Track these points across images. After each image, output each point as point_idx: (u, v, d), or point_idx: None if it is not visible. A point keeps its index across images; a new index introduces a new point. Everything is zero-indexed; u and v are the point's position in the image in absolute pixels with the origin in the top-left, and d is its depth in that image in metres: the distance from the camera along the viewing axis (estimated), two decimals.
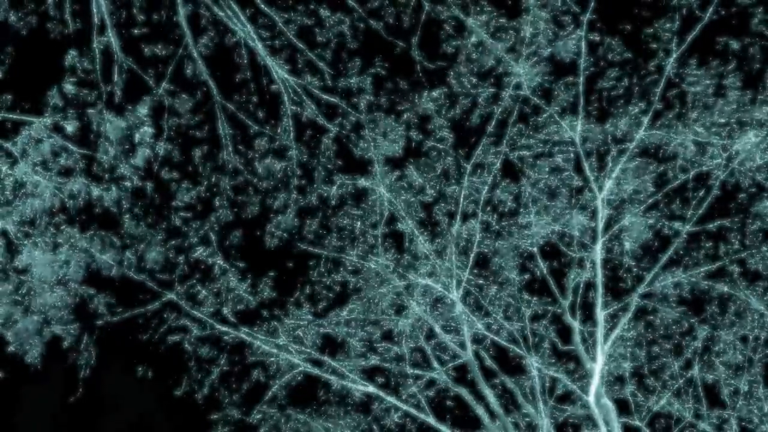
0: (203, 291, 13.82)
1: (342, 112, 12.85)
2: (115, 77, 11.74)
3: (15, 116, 11.91)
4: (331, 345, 14.38)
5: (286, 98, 12.18)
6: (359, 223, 13.95)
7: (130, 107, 12.06)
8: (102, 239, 12.95)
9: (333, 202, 13.73)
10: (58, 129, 12.02)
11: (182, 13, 11.62)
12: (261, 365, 14.27)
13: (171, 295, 13.62)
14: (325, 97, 12.17)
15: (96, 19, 11.37)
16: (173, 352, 14.01)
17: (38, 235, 12.45)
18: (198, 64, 11.89)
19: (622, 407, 14.17)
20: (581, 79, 13.04)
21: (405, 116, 13.46)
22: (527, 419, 14.12)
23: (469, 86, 13.19)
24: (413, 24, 11.81)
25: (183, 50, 11.74)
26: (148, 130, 12.18)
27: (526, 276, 14.30)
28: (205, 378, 14.18)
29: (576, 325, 13.75)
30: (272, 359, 14.09)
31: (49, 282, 12.62)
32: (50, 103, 11.86)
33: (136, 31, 11.68)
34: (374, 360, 14.39)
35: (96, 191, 12.29)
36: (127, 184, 12.36)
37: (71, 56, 11.62)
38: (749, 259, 13.68)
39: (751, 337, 13.99)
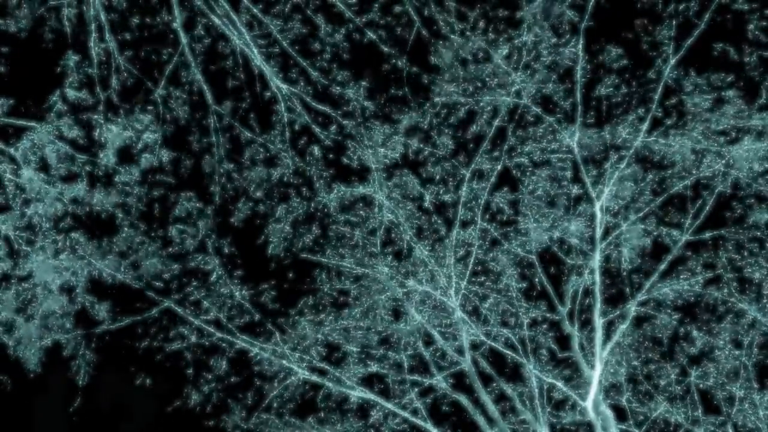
0: (202, 299, 13.87)
1: (338, 121, 12.87)
2: (113, 83, 11.81)
3: (17, 121, 11.98)
4: (331, 352, 14.42)
5: (282, 107, 12.21)
6: (358, 230, 13.98)
7: (128, 107, 12.14)
8: (102, 246, 13.00)
9: (332, 210, 13.76)
10: (60, 134, 12.09)
11: (179, 20, 11.67)
12: (260, 373, 14.32)
13: (169, 303, 13.68)
14: (320, 107, 12.19)
15: (93, 26, 11.44)
16: (173, 360, 14.08)
17: (40, 240, 12.50)
18: (193, 71, 11.94)
19: (620, 414, 14.14)
20: (579, 87, 13.03)
21: (402, 124, 13.48)
22: (525, 426, 14.12)
23: (465, 95, 13.21)
24: (408, 34, 11.83)
25: (179, 57, 11.80)
26: (149, 136, 12.25)
27: (525, 283, 14.29)
28: (204, 385, 14.24)
29: (574, 332, 13.72)
30: (271, 366, 14.12)
31: (51, 288, 12.66)
32: (53, 108, 11.93)
33: (133, 38, 11.74)
34: (373, 367, 14.40)
35: (97, 197, 12.34)
36: (127, 189, 12.42)
37: (71, 61, 11.69)
38: (746, 267, 13.63)
39: (745, 343, 13.94)
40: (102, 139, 12.20)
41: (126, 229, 12.99)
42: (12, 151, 12.15)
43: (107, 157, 12.27)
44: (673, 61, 12.74)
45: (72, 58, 11.65)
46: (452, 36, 12.49)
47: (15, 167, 12.18)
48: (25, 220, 12.37)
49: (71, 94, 11.86)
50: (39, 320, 12.71)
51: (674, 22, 12.52)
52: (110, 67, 11.73)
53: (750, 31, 12.42)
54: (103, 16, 11.46)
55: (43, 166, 12.22)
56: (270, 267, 13.97)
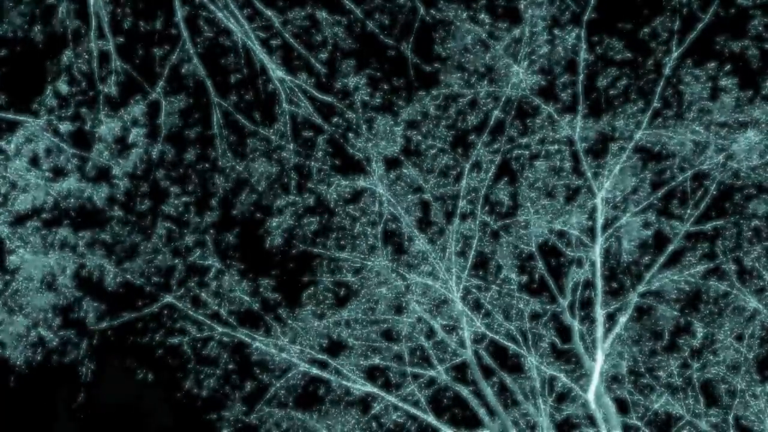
0: (202, 293, 13.79)
1: (339, 112, 12.83)
2: (113, 78, 11.66)
3: (10, 116, 11.82)
4: (332, 345, 14.38)
5: (283, 98, 12.11)
6: (358, 223, 13.94)
7: (124, 108, 12.01)
8: (97, 241, 12.89)
9: (332, 203, 13.72)
10: (53, 129, 11.94)
11: (180, 13, 11.53)
12: (261, 366, 14.28)
13: (169, 298, 13.60)
14: (322, 97, 12.11)
15: (93, 20, 11.28)
16: (174, 355, 14.02)
17: (30, 235, 12.34)
18: (195, 63, 11.81)
19: (621, 406, 14.20)
20: (580, 78, 13.02)
21: (402, 115, 13.44)
22: (527, 417, 14.16)
23: (466, 85, 13.19)
24: (409, 25, 11.75)
25: (180, 50, 11.66)
26: (142, 130, 12.12)
27: (526, 275, 14.31)
28: (205, 379, 14.19)
29: (575, 324, 13.75)
30: (273, 359, 14.08)
31: (43, 284, 12.52)
32: (46, 103, 11.78)
33: (133, 32, 11.60)
34: (374, 359, 14.39)
35: (89, 191, 12.20)
36: (121, 183, 12.30)
37: (67, 56, 11.53)
38: (746, 257, 13.71)
39: (746, 334, 14.02)
40: (98, 133, 12.07)
41: (124, 224, 12.90)
42: (4, 144, 11.99)
43: (102, 152, 12.13)
44: (676, 54, 12.76)
45: (68, 54, 11.49)
46: (455, 24, 12.46)
47: (6, 162, 12.01)
48: (16, 213, 12.21)
49: (65, 89, 11.72)
50: (32, 316, 12.57)
51: (677, 15, 12.54)
52: (109, 62, 11.58)
53: (753, 26, 12.49)
54: (102, 11, 11.30)
55: (35, 160, 12.08)
56: (270, 260, 13.93)
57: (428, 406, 14.03)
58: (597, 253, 13.42)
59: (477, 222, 13.81)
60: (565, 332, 14.12)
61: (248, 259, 13.95)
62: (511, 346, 13.78)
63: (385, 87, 12.98)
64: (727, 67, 12.86)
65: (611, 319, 13.73)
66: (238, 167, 12.75)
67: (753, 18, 12.44)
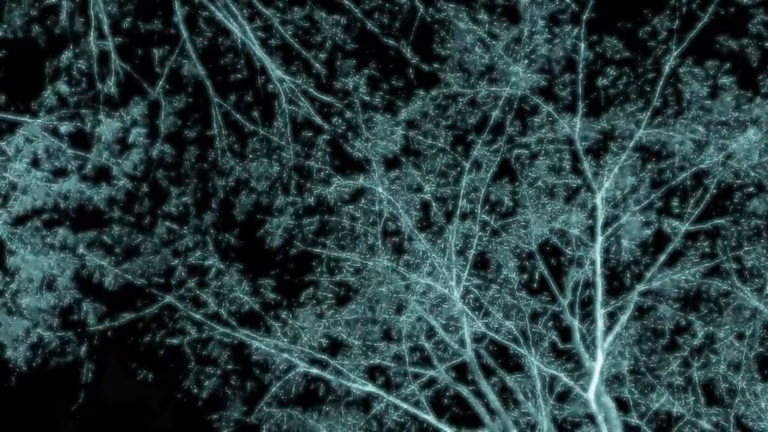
0: (202, 293, 13.79)
1: (339, 112, 12.85)
2: (112, 78, 11.66)
3: (10, 116, 11.83)
4: (332, 344, 14.39)
5: (283, 98, 12.12)
6: (358, 223, 13.95)
7: (124, 108, 12.01)
8: (97, 242, 12.88)
9: (332, 203, 13.74)
10: (53, 130, 11.94)
11: (179, 13, 11.54)
12: (261, 366, 14.28)
13: (170, 299, 13.60)
14: (321, 97, 12.12)
15: (93, 21, 11.29)
16: (174, 355, 14.02)
17: (30, 236, 12.33)
18: (195, 64, 11.82)
19: (622, 405, 14.20)
20: (580, 78, 13.04)
21: (402, 115, 13.46)
22: (527, 417, 14.15)
23: (465, 85, 13.21)
24: (409, 24, 11.77)
25: (180, 50, 11.68)
26: (142, 130, 12.12)
27: (526, 274, 14.31)
28: (205, 380, 14.18)
29: (575, 323, 13.75)
30: (273, 360, 14.08)
31: (43, 285, 12.50)
32: (46, 103, 11.78)
33: (133, 32, 11.61)
34: (374, 359, 14.39)
35: (89, 192, 12.20)
36: (121, 184, 12.29)
37: (66, 57, 11.54)
38: (746, 256, 13.71)
39: (747, 333, 14.01)
40: (98, 133, 12.07)
41: (124, 224, 12.91)
42: (4, 145, 11.99)
43: (101, 153, 12.13)
44: (675, 53, 12.77)
45: (68, 55, 11.50)
46: (455, 24, 12.49)
47: (6, 163, 12.01)
48: (16, 214, 12.20)
49: (65, 89, 11.72)
50: (31, 317, 12.55)
51: (677, 14, 12.57)
52: (109, 63, 11.59)
53: (752, 24, 12.51)
54: (103, 12, 11.31)
55: (35, 161, 12.08)
56: (270, 260, 13.94)
57: (429, 406, 14.01)
58: (597, 252, 13.42)
59: (477, 221, 13.82)
60: (565, 332, 14.13)
61: (248, 259, 13.96)
62: (512, 345, 13.76)
63: (385, 87, 12.99)
64: (727, 66, 12.91)
65: (611, 318, 13.73)
66: (238, 167, 12.78)
67: (753, 16, 12.48)
